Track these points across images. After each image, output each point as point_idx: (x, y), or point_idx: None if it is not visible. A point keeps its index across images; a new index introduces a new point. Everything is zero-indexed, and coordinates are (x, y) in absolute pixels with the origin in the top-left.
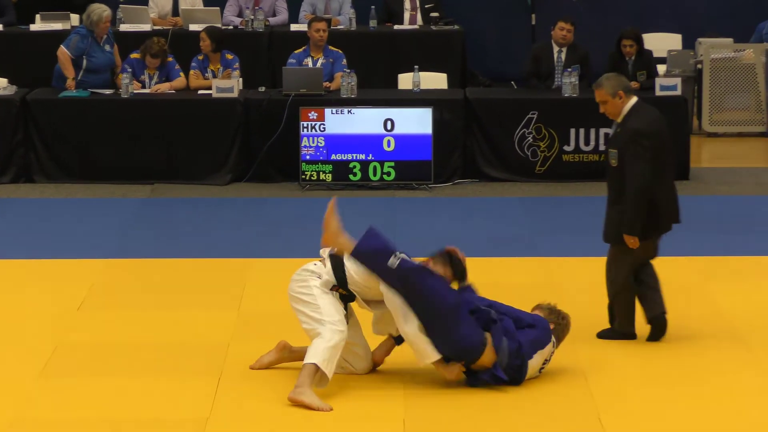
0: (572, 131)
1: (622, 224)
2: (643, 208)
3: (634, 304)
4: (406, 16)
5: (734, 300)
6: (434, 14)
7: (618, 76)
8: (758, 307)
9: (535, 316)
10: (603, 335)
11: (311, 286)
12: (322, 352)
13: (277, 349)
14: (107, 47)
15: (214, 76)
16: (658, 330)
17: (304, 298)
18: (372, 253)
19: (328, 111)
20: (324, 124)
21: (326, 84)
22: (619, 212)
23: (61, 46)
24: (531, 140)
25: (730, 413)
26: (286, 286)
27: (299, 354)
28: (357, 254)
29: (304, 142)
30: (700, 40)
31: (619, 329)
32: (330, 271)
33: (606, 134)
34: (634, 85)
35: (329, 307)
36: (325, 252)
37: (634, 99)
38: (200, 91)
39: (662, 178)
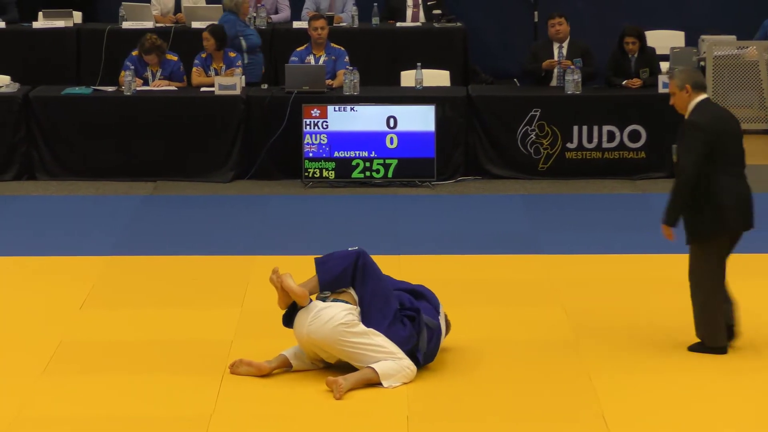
0: (575, 128)
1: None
2: (683, 200)
3: (721, 314)
4: (409, 13)
5: (737, 298)
6: (436, 11)
7: (693, 70)
8: (761, 305)
9: (418, 286)
10: (693, 349)
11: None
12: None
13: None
14: (252, 27)
15: (217, 74)
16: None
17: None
18: (335, 264)
19: (330, 108)
20: (327, 122)
21: (329, 81)
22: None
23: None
24: (534, 137)
25: (735, 411)
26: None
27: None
28: (324, 282)
29: (307, 139)
30: (703, 37)
31: (709, 344)
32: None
33: (609, 131)
34: (636, 82)
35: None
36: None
37: (702, 96)
38: (203, 89)
39: (723, 177)
